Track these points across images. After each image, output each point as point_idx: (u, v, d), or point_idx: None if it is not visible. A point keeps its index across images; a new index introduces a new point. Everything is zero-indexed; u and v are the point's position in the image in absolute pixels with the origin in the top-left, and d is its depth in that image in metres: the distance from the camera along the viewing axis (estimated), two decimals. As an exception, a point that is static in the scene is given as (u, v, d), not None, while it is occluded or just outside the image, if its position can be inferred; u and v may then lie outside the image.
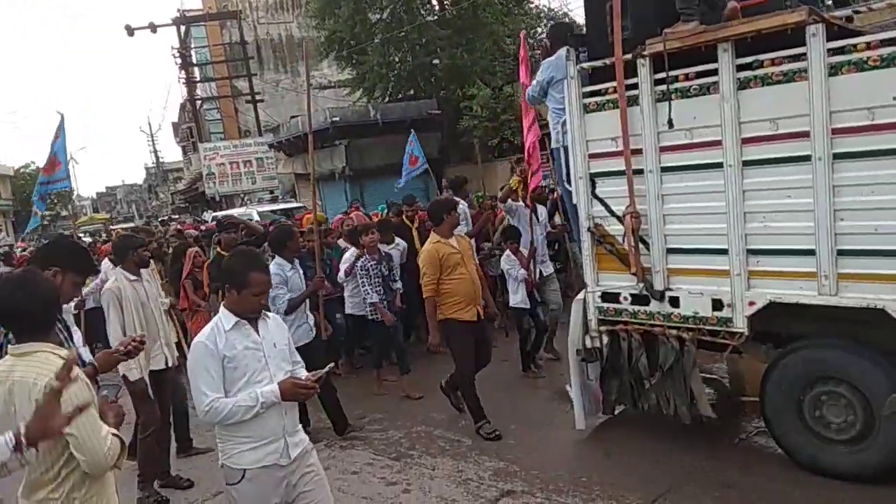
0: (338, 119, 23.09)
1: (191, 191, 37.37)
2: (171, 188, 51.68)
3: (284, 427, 3.47)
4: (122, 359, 3.66)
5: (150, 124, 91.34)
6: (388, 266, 8.07)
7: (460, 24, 23.03)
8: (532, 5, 26.32)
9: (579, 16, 39.85)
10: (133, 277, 5.69)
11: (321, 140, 23.82)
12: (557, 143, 5.85)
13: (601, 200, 5.30)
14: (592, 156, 5.29)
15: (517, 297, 7.61)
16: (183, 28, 30.27)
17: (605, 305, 5.43)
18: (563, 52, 5.59)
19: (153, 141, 61.43)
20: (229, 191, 28.40)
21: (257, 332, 3.49)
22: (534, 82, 6.06)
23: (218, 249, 8.53)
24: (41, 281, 2.91)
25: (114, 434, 2.78)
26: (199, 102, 32.83)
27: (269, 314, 3.65)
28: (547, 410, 6.84)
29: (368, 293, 7.80)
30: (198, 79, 32.54)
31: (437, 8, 24.21)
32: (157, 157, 62.64)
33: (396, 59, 23.81)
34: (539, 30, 26.73)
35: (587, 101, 5.26)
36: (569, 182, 5.62)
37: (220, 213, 23.17)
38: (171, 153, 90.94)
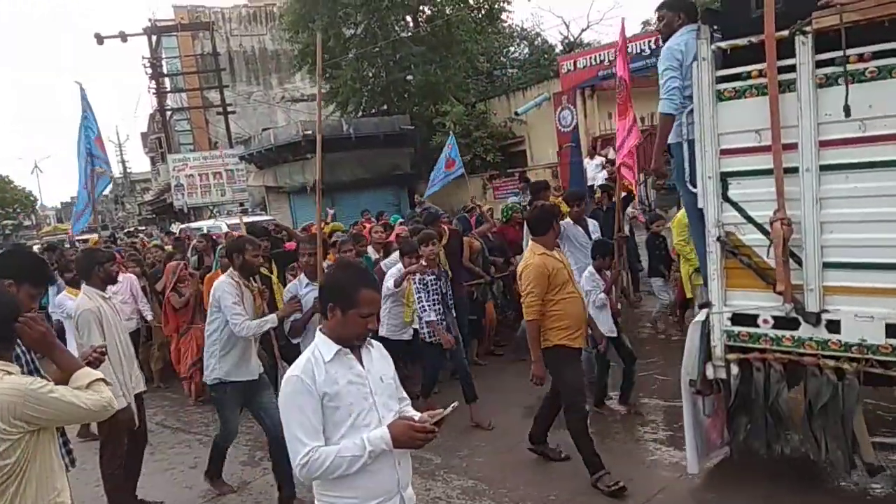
0: (310, 132, 21.56)
1: (158, 202, 35.18)
2: (139, 199, 49.10)
3: (399, 481, 2.71)
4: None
5: (118, 134, 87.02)
6: (445, 283, 6.55)
7: (434, 41, 21.80)
8: (505, 24, 25.19)
9: (551, 35, 39.21)
10: (106, 295, 5.09)
11: (293, 153, 22.31)
12: (679, 137, 4.48)
13: (735, 204, 4.05)
14: (725, 152, 4.03)
15: (603, 326, 5.93)
16: (154, 38, 28.26)
17: (737, 329, 4.16)
18: (686, 30, 4.36)
19: (121, 151, 58.30)
20: (198, 202, 26.40)
21: (361, 363, 2.72)
22: (667, 77, 4.50)
23: None
24: (2, 294, 2.82)
25: (89, 385, 2.73)
26: (168, 113, 30.70)
27: (373, 342, 2.84)
28: (519, 427, 5.99)
29: (425, 310, 6.31)
30: (168, 89, 30.42)
31: (411, 25, 22.89)
32: (125, 168, 59.69)
33: (370, 74, 22.45)
34: (511, 49, 25.70)
35: (721, 87, 3.97)
36: (693, 183, 4.32)
37: (189, 225, 21.38)
38: (139, 163, 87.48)
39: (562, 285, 4.86)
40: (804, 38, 3.57)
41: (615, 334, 6.10)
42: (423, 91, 22.02)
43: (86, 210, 7.99)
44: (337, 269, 3.02)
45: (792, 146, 3.73)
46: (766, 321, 4.03)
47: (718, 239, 4.10)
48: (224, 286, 5.11)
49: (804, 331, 3.90)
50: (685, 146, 4.38)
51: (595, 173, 15.48)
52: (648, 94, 19.00)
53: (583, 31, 25.82)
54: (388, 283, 6.64)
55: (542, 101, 19.33)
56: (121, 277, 7.62)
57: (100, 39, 25.97)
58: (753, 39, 3.74)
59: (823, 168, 3.69)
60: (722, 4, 4.30)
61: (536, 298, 4.81)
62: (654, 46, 16.06)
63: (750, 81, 3.85)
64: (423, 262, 6.40)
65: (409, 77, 22.22)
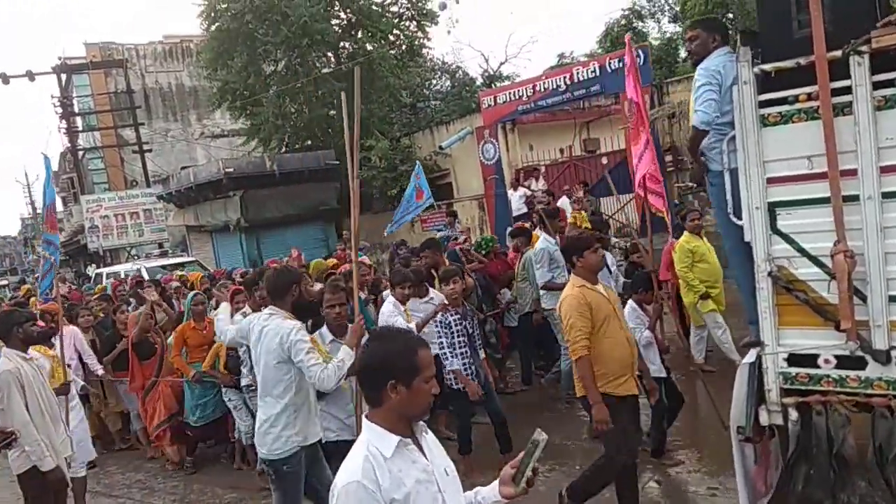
0: (232, 170, 20.31)
1: (72, 244, 32.72)
2: (50, 241, 45.74)
3: None
4: None
5: (26, 174, 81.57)
6: (472, 323, 5.73)
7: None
8: (426, 59, 24.69)
9: (471, 68, 39.17)
10: (28, 356, 4.83)
11: (214, 191, 20.96)
12: (721, 166, 3.91)
13: (786, 237, 3.53)
14: (773, 180, 3.52)
15: (651, 366, 5.13)
16: (64, 76, 26.27)
17: (794, 370, 3.61)
18: (721, 52, 3.88)
19: (29, 192, 54.51)
20: (114, 244, 24.48)
21: (423, 453, 2.13)
22: (703, 91, 3.91)
23: None
24: None
25: None
26: (81, 152, 28.56)
27: (425, 427, 2.23)
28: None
29: (447, 357, 5.44)
30: (80, 128, 28.30)
31: (332, 61, 22.04)
32: (34, 208, 55.79)
33: (292, 111, 21.44)
34: (433, 81, 25.21)
35: (765, 111, 3.44)
36: (737, 215, 3.77)
37: (104, 270, 19.66)
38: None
39: (604, 322, 4.16)
40: (860, 59, 3.08)
41: (664, 374, 5.34)
42: (347, 126, 21.20)
43: (47, 275, 7.18)
44: (378, 341, 2.25)
45: (849, 173, 3.25)
46: (827, 361, 3.50)
47: (770, 274, 3.55)
48: (295, 331, 4.05)
49: (872, 370, 3.39)
50: (727, 175, 3.84)
51: (519, 204, 15.07)
52: (566, 127, 19.06)
53: (501, 64, 25.70)
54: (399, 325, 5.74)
55: (466, 135, 18.94)
56: (64, 331, 6.60)
57: (5, 79, 23.96)
58: (802, 61, 3.23)
59: (886, 195, 3.21)
60: (760, 26, 3.79)
61: (581, 333, 4.10)
62: (569, 81, 15.87)
63: (798, 105, 3.34)
64: (445, 302, 5.61)
65: (332, 112, 21.37)
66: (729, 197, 3.85)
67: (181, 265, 17.18)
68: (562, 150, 18.96)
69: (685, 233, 7.25)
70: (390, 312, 5.71)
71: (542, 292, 7.10)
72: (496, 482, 2.23)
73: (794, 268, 3.55)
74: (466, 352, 5.54)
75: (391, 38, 22.07)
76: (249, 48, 20.57)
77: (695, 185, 11.97)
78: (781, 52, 3.40)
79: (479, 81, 24.57)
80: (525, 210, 14.01)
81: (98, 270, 20.29)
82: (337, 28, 21.55)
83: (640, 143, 5.38)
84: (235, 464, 6.78)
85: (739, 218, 3.70)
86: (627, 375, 4.25)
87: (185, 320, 7.00)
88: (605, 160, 17.21)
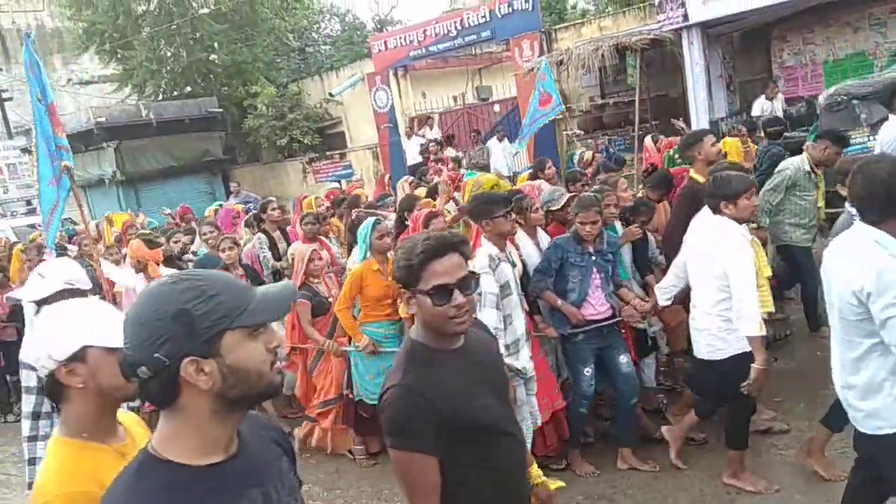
0: (104, 119, 18.99)
1: (-74, 201, 30.03)
2: None
3: None
4: None
5: None
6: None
7: (238, 19, 19.93)
8: (314, 0, 23.73)
9: (362, 11, 37.08)
10: None
11: (85, 143, 19.56)
12: None
13: None
14: None
15: None
16: None
17: None
18: None
19: None
20: (-25, 202, 22.67)
21: None
22: None
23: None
24: None
25: None
26: (-72, 101, 25.94)
27: None
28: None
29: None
30: (-75, 74, 25.65)
31: (210, 1, 20.80)
32: None
33: (168, 54, 20.12)
34: (322, 25, 24.31)
35: None
36: None
37: None
38: None
39: None
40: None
41: None
42: (230, 71, 20.14)
43: (53, 215, 5.81)
44: None
45: None
46: None
47: None
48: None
49: None
50: None
51: (414, 153, 14.99)
52: (459, 74, 18.94)
53: (393, 7, 25.08)
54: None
55: (357, 82, 18.45)
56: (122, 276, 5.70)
57: None
58: None
59: None
60: None
61: None
62: (460, 27, 15.72)
63: None
64: None
65: (213, 57, 20.23)
66: None
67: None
68: (455, 98, 18.88)
69: None
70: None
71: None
72: None
73: None
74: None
75: (273, -24, 21.04)
76: (116, -16, 19.09)
77: (582, 133, 12.19)
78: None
79: (370, 26, 23.93)
80: (420, 159, 13.89)
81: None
82: (214, -37, 20.32)
83: None
84: None
85: None
86: None
87: (362, 258, 4.78)
88: (496, 108, 17.29)
